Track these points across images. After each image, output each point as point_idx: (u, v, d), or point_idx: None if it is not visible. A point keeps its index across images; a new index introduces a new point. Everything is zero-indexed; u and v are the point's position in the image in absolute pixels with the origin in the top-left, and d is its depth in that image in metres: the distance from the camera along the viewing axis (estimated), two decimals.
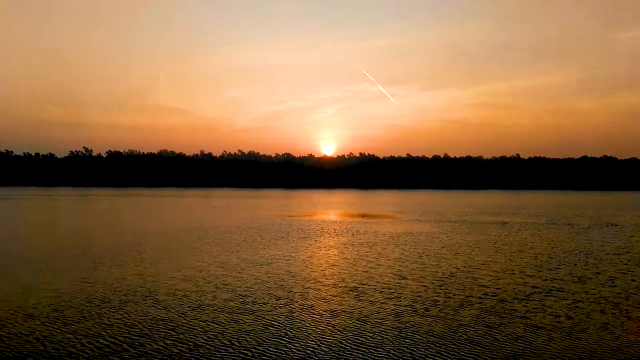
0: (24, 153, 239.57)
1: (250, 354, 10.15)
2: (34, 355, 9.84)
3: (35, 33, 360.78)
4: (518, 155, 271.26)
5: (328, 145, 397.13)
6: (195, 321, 12.38)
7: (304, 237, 31.54)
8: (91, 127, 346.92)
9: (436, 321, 12.62)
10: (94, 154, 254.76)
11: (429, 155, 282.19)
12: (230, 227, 37.18)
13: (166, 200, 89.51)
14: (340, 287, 16.59)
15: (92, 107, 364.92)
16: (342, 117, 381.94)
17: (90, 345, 10.47)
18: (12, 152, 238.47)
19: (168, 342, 10.79)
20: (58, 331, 11.41)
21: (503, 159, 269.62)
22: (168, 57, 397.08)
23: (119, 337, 11.05)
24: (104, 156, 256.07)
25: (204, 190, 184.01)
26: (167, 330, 11.57)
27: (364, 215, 54.27)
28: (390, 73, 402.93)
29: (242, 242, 28.21)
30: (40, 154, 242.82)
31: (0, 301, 13.99)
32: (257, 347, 10.56)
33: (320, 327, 11.97)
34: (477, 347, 10.69)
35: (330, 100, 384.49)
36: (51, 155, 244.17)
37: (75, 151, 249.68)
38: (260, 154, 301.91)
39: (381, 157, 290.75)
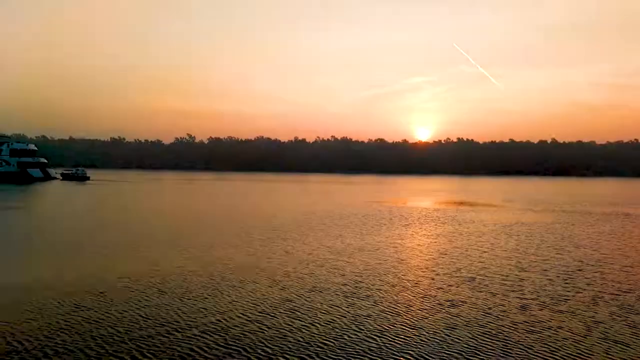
0: (135, 139, 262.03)
1: (373, 340, 10.21)
2: (167, 326, 10.73)
3: (160, 25, 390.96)
4: (636, 140, 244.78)
5: (423, 130, 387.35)
6: (313, 303, 12.71)
7: (407, 225, 31.13)
8: (196, 114, 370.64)
9: (568, 317, 11.79)
10: (196, 140, 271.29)
11: (534, 140, 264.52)
12: (329, 213, 37.76)
13: (264, 186, 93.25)
14: (456, 276, 16.13)
15: (197, 95, 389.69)
16: (438, 101, 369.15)
17: (215, 322, 11.17)
18: (124, 138, 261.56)
19: (290, 322, 11.19)
20: (185, 306, 12.32)
21: (620, 144, 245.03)
22: (262, 44, 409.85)
23: (244, 315, 11.67)
24: (206, 142, 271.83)
25: (297, 175, 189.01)
26: (287, 311, 12.00)
27: (467, 203, 52.33)
28: (490, 53, 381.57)
29: (345, 228, 28.51)
30: (149, 140, 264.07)
31: (135, 278, 15.36)
32: (378, 332, 10.60)
33: (442, 317, 11.72)
34: (621, 347, 9.83)
35: (425, 83, 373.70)
36: (158, 141, 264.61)
37: (180, 137, 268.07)
38: (353, 139, 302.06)
39: (481, 142, 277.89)
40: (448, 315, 11.83)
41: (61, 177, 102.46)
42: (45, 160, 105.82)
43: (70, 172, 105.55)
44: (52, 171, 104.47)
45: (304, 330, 10.60)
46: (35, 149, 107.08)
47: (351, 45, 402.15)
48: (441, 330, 10.75)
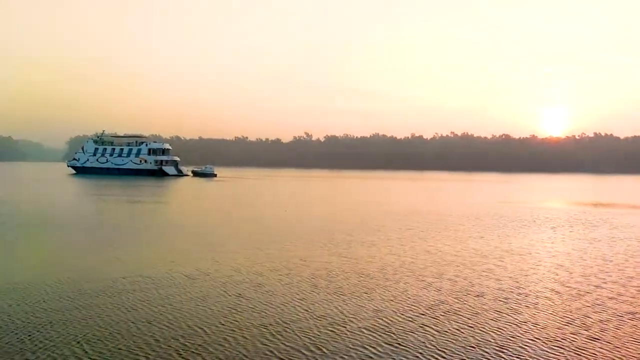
0: (257, 138, 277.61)
1: (553, 352, 9.41)
2: (327, 319, 10.91)
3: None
4: None
5: (554, 124, 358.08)
6: (473, 307, 12.13)
7: (554, 227, 28.77)
8: (312, 112, 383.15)
9: None
10: (313, 138, 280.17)
11: None
12: (461, 213, 36.30)
13: (382, 184, 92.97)
14: (630, 286, 14.41)
15: (313, 92, 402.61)
16: (572, 93, 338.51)
17: (374, 321, 11.13)
18: (246, 137, 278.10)
19: (455, 326, 10.77)
20: (341, 303, 12.46)
21: None
22: (377, 42, 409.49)
23: (402, 315, 11.50)
24: (322, 140, 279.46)
25: (415, 173, 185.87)
26: (447, 313, 11.60)
27: (618, 205, 47.12)
28: (629, 40, 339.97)
29: (485, 229, 27.15)
30: (269, 139, 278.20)
31: (286, 272, 15.97)
32: (556, 343, 9.75)
33: (628, 331, 10.48)
34: None
35: (557, 74, 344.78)
36: (278, 140, 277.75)
37: (298, 136, 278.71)
38: (475, 135, 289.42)
39: (622, 137, 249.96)
40: (635, 330, 10.54)
41: (192, 174, 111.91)
42: (178, 159, 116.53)
43: (199, 169, 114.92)
44: (184, 168, 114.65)
45: (471, 336, 10.12)
46: (170, 148, 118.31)
47: (470, 35, 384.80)
48: (628, 345, 9.59)
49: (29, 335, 9.73)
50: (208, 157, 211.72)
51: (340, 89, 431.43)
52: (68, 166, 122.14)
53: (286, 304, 12.17)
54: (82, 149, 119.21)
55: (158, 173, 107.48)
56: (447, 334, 10.27)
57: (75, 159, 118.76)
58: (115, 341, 9.57)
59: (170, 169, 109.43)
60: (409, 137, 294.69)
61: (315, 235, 23.60)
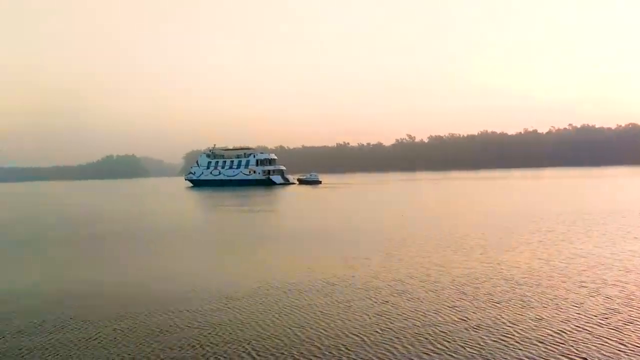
0: (358, 143, 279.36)
1: None
2: (497, 333, 10.29)
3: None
4: None
5: None
6: (605, 326, 10.79)
7: None
8: (415, 113, 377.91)
9: None
10: (416, 140, 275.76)
11: None
12: (598, 210, 33.09)
13: (498, 184, 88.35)
14: None
15: (414, 93, 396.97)
16: None
17: (548, 332, 10.31)
18: (347, 143, 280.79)
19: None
20: (505, 312, 11.75)
21: None
22: (475, 35, 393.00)
23: (585, 329, 10.55)
24: (426, 141, 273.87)
25: (531, 170, 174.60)
26: (627, 324, 10.43)
27: None
28: None
29: (636, 229, 24.44)
30: (371, 143, 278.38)
31: (433, 280, 15.53)
32: None
33: None
34: None
35: None
36: (379, 144, 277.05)
37: (400, 138, 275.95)
38: (597, 126, 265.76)
39: None
40: None
41: (297, 182, 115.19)
42: (284, 168, 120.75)
43: (304, 177, 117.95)
44: (290, 177, 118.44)
45: None
46: (276, 157, 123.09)
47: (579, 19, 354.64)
48: None
49: (196, 337, 10.38)
50: (311, 164, 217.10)
51: (444, 87, 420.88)
52: (185, 180, 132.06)
53: (437, 312, 11.75)
54: (197, 163, 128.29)
55: (266, 182, 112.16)
56: (633, 347, 9.21)
57: (191, 173, 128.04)
58: (277, 343, 9.87)
59: (277, 178, 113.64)
60: (522, 132, 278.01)
61: (443, 239, 22.82)
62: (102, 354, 9.73)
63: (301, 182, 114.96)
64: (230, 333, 10.73)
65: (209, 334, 10.75)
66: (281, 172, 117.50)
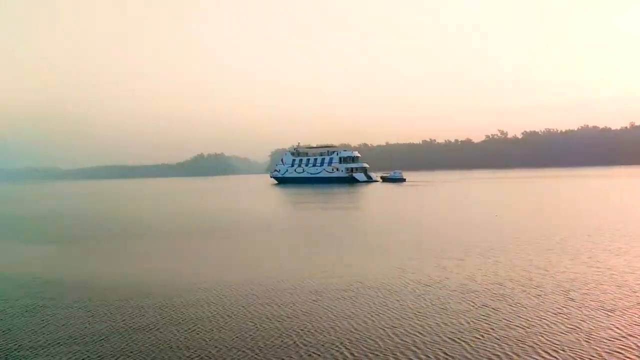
0: (445, 140, 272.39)
1: None
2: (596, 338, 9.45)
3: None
4: None
5: None
6: None
7: None
8: (504, 111, 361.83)
9: None
10: (509, 136, 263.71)
11: None
12: None
13: (603, 182, 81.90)
14: None
15: (506, 87, 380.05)
16: None
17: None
18: (434, 140, 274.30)
19: None
20: (573, 313, 10.78)
21: None
22: (569, 25, 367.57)
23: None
24: (520, 137, 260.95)
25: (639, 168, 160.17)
26: None
27: None
28: None
29: None
30: (459, 140, 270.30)
31: (507, 279, 14.64)
32: None
33: None
34: None
35: None
36: (468, 140, 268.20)
37: (491, 135, 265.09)
38: None
39: None
40: None
41: (381, 180, 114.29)
42: (367, 165, 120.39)
43: (388, 174, 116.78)
44: (373, 174, 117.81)
45: None
46: (359, 155, 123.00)
47: None
48: None
49: (289, 331, 10.52)
50: (396, 162, 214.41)
51: (537, 81, 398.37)
52: (271, 177, 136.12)
53: (542, 319, 11.01)
54: (282, 160, 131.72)
55: (349, 180, 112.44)
56: None
57: (277, 170, 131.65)
58: (371, 344, 9.76)
59: (360, 176, 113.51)
60: (627, 127, 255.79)
61: (543, 241, 21.46)
62: (208, 342, 10.15)
63: (384, 179, 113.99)
64: (322, 331, 10.76)
65: (302, 329, 10.86)
66: (364, 170, 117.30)
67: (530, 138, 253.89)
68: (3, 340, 10.76)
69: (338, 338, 10.26)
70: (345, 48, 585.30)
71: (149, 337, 10.66)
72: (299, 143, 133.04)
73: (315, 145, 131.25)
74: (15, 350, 10.19)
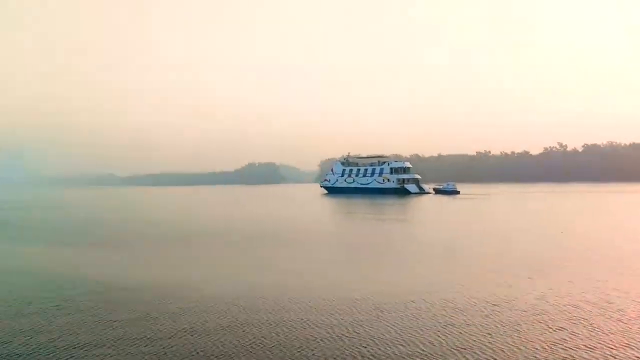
0: (500, 152, 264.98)
1: None
2: None
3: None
4: None
5: None
6: None
7: None
8: (564, 122, 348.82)
9: None
10: (568, 149, 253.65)
11: None
12: None
13: None
14: None
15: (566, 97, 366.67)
16: None
17: None
18: (489, 151, 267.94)
19: None
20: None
21: None
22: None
23: None
24: (580, 150, 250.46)
25: None
26: None
27: None
28: None
29: None
30: (515, 152, 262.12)
31: (583, 301, 13.72)
32: None
33: None
34: None
35: None
36: (525, 152, 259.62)
37: (549, 147, 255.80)
38: None
39: None
40: None
41: (433, 192, 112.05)
42: (419, 177, 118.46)
43: (441, 186, 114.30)
44: (425, 186, 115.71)
45: None
46: (410, 166, 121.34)
47: None
48: None
49: (360, 351, 10.19)
50: (448, 173, 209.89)
51: (601, 89, 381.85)
52: (320, 186, 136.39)
53: (627, 347, 10.17)
54: (332, 170, 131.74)
55: (400, 191, 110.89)
56: None
57: (327, 180, 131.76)
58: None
59: (412, 187, 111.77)
60: None
61: (617, 260, 20.17)
62: (266, 354, 9.99)
63: (437, 191, 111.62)
64: (385, 349, 10.37)
65: (364, 346, 10.53)
66: (416, 181, 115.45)
67: (592, 151, 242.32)
68: (57, 335, 11.00)
69: (402, 358, 9.83)
70: (397, 58, 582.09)
71: (215, 339, 10.62)
72: (349, 153, 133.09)
73: (365, 156, 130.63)
74: (77, 347, 10.38)
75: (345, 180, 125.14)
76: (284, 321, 12.34)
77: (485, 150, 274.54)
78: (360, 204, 74.07)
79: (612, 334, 11.04)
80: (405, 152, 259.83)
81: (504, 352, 10.04)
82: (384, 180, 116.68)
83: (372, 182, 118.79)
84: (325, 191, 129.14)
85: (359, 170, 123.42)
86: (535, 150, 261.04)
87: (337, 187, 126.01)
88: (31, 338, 11.31)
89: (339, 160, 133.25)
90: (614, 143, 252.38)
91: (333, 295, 14.83)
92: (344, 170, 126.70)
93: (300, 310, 13.26)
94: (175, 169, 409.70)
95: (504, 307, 13.33)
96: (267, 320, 12.40)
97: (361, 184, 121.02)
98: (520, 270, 18.44)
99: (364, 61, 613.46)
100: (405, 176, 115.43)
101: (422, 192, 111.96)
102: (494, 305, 13.53)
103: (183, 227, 39.20)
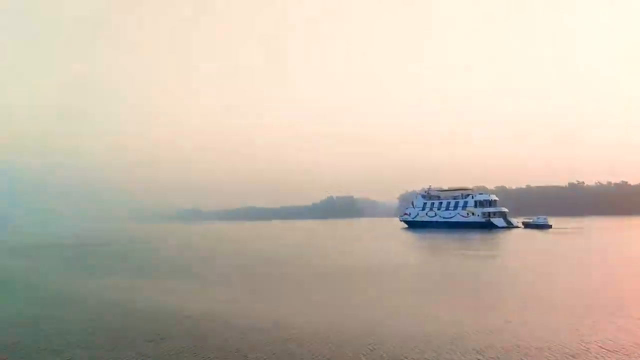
0: (595, 182, 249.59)
1: None
2: None
3: None
4: None
5: None
6: None
7: None
8: None
9: None
10: None
11: None
12: None
13: None
14: None
15: None
16: None
17: None
18: (582, 182, 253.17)
19: None
20: None
21: None
22: None
23: None
24: None
25: None
26: None
27: None
28: None
29: None
30: (612, 182, 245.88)
31: None
32: None
33: None
34: None
35: None
36: (624, 182, 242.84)
37: None
38: None
39: None
40: None
41: (522, 226, 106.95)
42: (506, 210, 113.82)
43: (531, 220, 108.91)
44: (513, 220, 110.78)
45: None
46: (497, 199, 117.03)
47: None
48: None
49: None
50: (537, 206, 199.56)
51: None
52: (400, 220, 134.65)
53: None
54: (412, 204, 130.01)
55: (486, 225, 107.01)
56: None
57: (407, 214, 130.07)
58: None
59: (498, 221, 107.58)
60: None
61: None
62: None
63: (527, 225, 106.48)
64: None
65: None
66: (503, 215, 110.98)
67: None
68: None
69: None
70: (480, 83, 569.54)
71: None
72: (430, 186, 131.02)
73: (447, 188, 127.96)
74: None
75: (427, 214, 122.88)
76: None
77: (578, 181, 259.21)
78: (444, 239, 72.42)
79: None
80: (491, 184, 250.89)
81: None
82: (468, 214, 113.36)
83: (456, 216, 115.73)
84: (406, 225, 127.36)
85: (441, 203, 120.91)
86: (634, 180, 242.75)
87: (418, 222, 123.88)
88: None
89: (420, 193, 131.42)
90: None
91: (429, 336, 14.85)
92: (425, 203, 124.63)
93: (395, 349, 13.35)
94: (249, 203, 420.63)
95: (622, 353, 12.68)
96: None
97: (444, 217, 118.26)
98: (633, 311, 17.36)
99: (436, 93, 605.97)
100: (491, 209, 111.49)
101: (510, 226, 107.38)
102: (613, 352, 12.90)
103: (315, 263, 40.36)
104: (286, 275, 31.90)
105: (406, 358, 12.73)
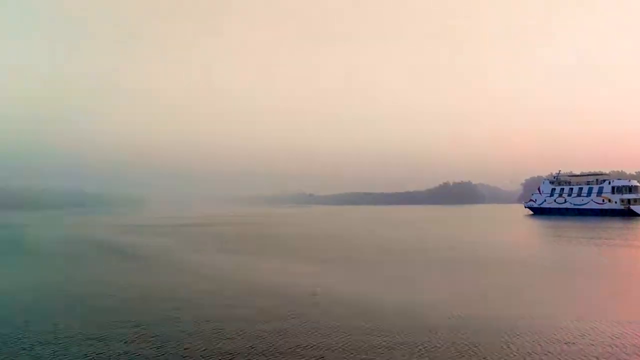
0: None
1: None
2: None
3: None
4: None
5: None
6: None
7: None
8: None
9: None
10: None
11: None
12: None
13: None
14: None
15: None
16: None
17: None
18: None
19: None
20: None
21: None
22: None
23: None
24: None
25: None
26: None
27: None
28: None
29: None
30: None
31: None
32: None
33: None
34: None
35: None
36: None
37: None
38: None
39: None
40: None
41: None
42: None
43: None
44: None
45: None
46: (637, 184, 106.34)
47: None
48: None
49: None
50: None
51: None
52: (525, 207, 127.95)
53: None
54: (539, 190, 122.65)
55: (625, 213, 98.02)
56: None
57: (532, 200, 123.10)
58: None
59: (639, 208, 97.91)
60: None
61: None
62: None
63: None
64: None
65: None
66: None
67: None
68: None
69: None
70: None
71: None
72: (559, 170, 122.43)
73: (579, 173, 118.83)
74: None
75: (555, 201, 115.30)
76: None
77: None
78: (578, 227, 67.67)
79: None
80: (630, 168, 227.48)
81: None
82: (603, 201, 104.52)
83: (589, 203, 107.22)
84: (531, 212, 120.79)
85: (571, 189, 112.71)
86: None
87: (545, 208, 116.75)
88: None
89: (547, 179, 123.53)
90: None
91: (560, 333, 14.72)
92: (553, 189, 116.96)
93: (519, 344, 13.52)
94: (365, 188, 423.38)
95: None
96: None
97: (575, 204, 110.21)
98: None
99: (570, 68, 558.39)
100: (631, 196, 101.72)
101: None
102: None
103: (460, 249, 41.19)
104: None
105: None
